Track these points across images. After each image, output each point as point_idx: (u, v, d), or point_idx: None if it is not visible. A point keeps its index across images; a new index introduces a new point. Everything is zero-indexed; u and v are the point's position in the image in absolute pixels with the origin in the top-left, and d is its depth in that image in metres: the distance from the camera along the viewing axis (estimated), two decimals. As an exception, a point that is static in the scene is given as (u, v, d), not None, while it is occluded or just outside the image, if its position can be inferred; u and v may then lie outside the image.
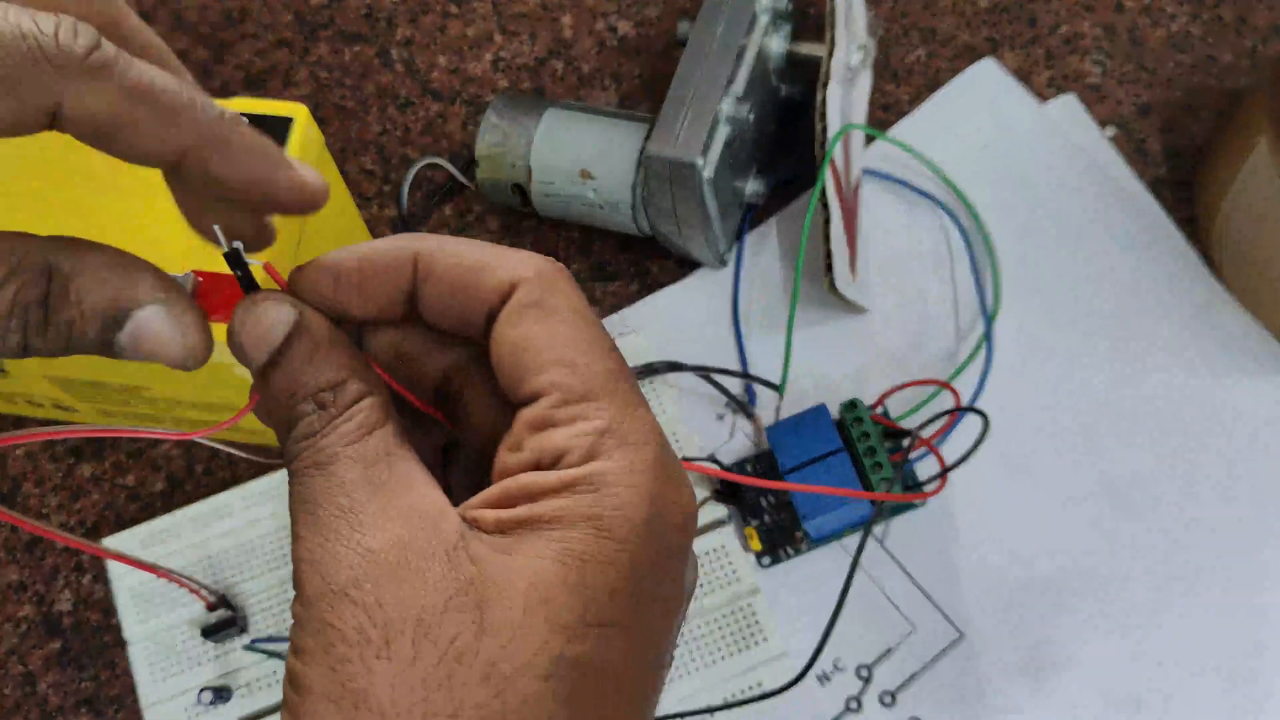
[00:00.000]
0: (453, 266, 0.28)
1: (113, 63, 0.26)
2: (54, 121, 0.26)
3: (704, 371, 0.50)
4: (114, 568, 0.48)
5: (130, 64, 0.26)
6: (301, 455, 0.27)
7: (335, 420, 0.27)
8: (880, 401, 0.48)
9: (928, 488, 0.47)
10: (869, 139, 0.55)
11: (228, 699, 0.46)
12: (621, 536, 0.26)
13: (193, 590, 0.46)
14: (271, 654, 0.46)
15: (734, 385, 0.51)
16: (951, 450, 0.49)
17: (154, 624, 0.47)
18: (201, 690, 0.46)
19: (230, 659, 0.47)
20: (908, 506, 0.46)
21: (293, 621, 0.26)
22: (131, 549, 0.48)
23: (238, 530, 0.48)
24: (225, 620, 0.46)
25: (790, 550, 0.48)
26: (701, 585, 0.47)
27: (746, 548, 0.48)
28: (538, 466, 0.26)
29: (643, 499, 0.26)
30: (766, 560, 0.48)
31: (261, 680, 0.46)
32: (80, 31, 0.25)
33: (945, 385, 0.46)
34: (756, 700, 0.45)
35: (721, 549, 0.48)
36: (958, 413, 0.44)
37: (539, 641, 0.25)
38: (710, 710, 0.45)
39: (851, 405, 0.47)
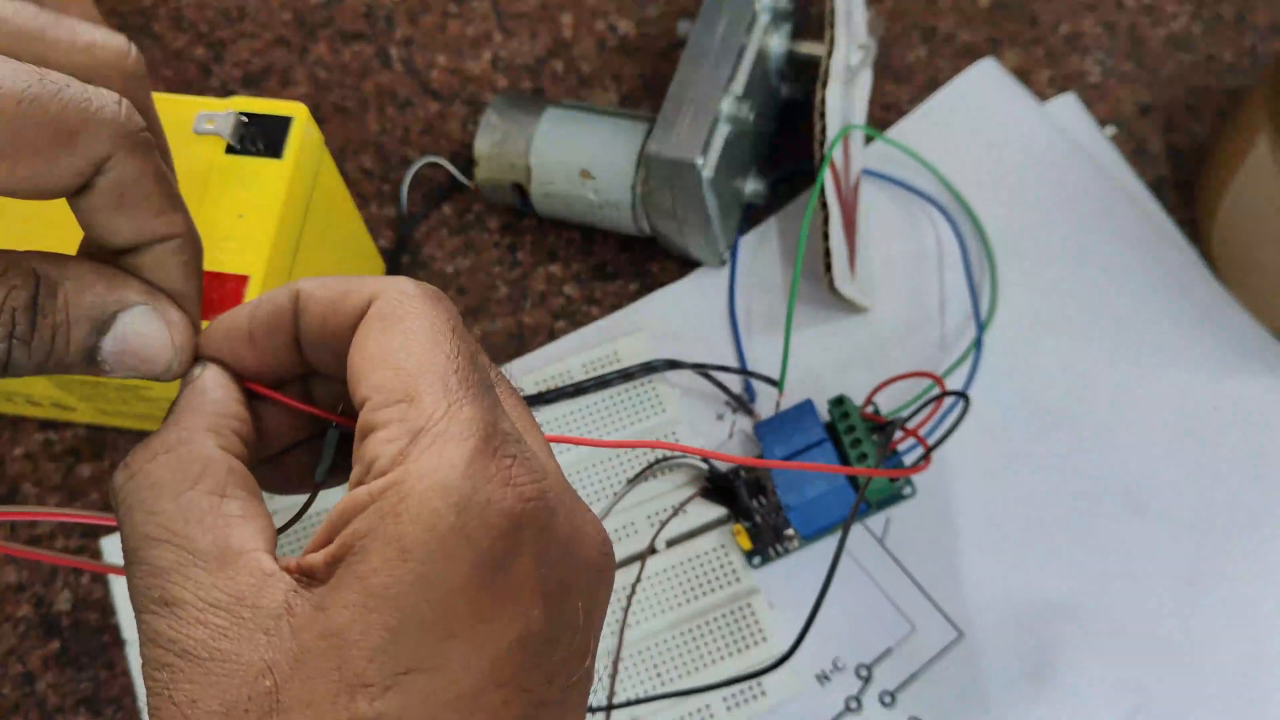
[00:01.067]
0: (322, 294, 0.27)
1: (153, 145, 0.27)
2: (87, 183, 0.26)
3: (703, 369, 0.50)
4: (114, 558, 0.48)
5: (159, 149, 0.27)
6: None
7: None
8: (869, 399, 0.48)
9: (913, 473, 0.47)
10: (869, 139, 0.55)
11: None
12: (424, 555, 0.23)
13: None
14: None
15: (734, 385, 0.51)
16: (951, 447, 0.49)
17: None
18: None
19: None
20: (897, 497, 0.46)
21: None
22: None
23: None
24: None
25: (780, 549, 0.47)
26: (700, 585, 0.47)
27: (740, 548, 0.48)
28: (360, 483, 0.24)
29: (447, 505, 0.23)
30: (757, 560, 0.47)
31: None
32: (133, 111, 0.26)
33: (930, 375, 0.45)
34: (738, 682, 0.45)
35: (721, 549, 0.48)
36: (942, 398, 0.44)
37: (331, 710, 0.23)
38: (696, 690, 0.45)
39: (839, 401, 0.47)
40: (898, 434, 0.46)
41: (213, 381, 0.28)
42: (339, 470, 0.29)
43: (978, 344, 0.50)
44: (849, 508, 0.46)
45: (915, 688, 0.46)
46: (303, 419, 0.30)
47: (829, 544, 0.48)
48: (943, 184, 0.54)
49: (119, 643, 0.48)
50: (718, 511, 0.48)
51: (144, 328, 0.28)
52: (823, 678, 0.46)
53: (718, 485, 0.48)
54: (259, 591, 0.24)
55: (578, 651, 0.25)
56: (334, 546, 0.24)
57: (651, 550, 0.48)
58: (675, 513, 0.48)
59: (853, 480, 0.45)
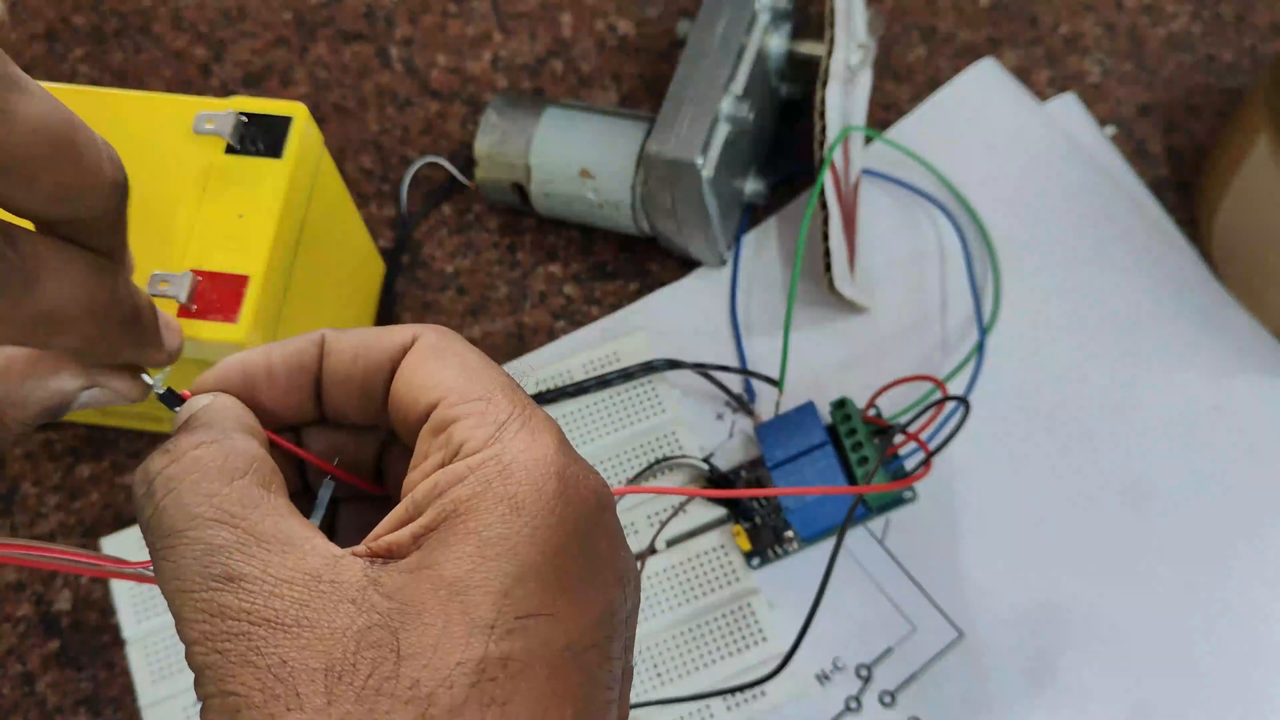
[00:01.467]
0: (351, 338, 0.29)
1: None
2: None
3: (703, 369, 0.50)
4: None
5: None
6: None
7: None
8: (872, 402, 0.47)
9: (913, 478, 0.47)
10: (868, 139, 0.55)
11: None
12: (535, 511, 0.25)
13: None
14: None
15: (734, 385, 0.51)
16: (951, 447, 0.49)
17: (153, 624, 0.47)
18: None
19: None
20: (898, 501, 0.46)
21: (193, 676, 0.25)
22: (129, 548, 0.48)
23: None
24: None
25: (779, 550, 0.47)
26: (700, 584, 0.47)
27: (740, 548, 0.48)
28: (442, 466, 0.26)
29: (550, 473, 0.26)
30: (756, 561, 0.47)
31: None
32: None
33: (932, 379, 0.45)
34: (739, 690, 0.45)
35: (720, 549, 0.48)
36: (944, 403, 0.44)
37: (459, 649, 0.24)
38: (698, 697, 0.45)
39: (840, 404, 0.47)
40: (898, 439, 0.46)
41: (228, 402, 0.29)
42: (324, 526, 0.30)
43: (980, 347, 0.50)
44: (847, 511, 0.46)
45: (915, 688, 0.46)
46: (290, 471, 0.31)
47: (828, 545, 0.48)
48: (943, 184, 0.54)
49: (119, 643, 0.48)
50: (718, 512, 0.48)
51: (93, 398, 0.29)
52: (823, 678, 0.46)
53: (718, 486, 0.48)
54: (334, 569, 0.25)
55: (630, 640, 0.27)
56: (426, 518, 0.25)
57: (652, 550, 0.48)
58: (675, 513, 0.48)
59: (853, 483, 0.45)
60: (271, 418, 0.29)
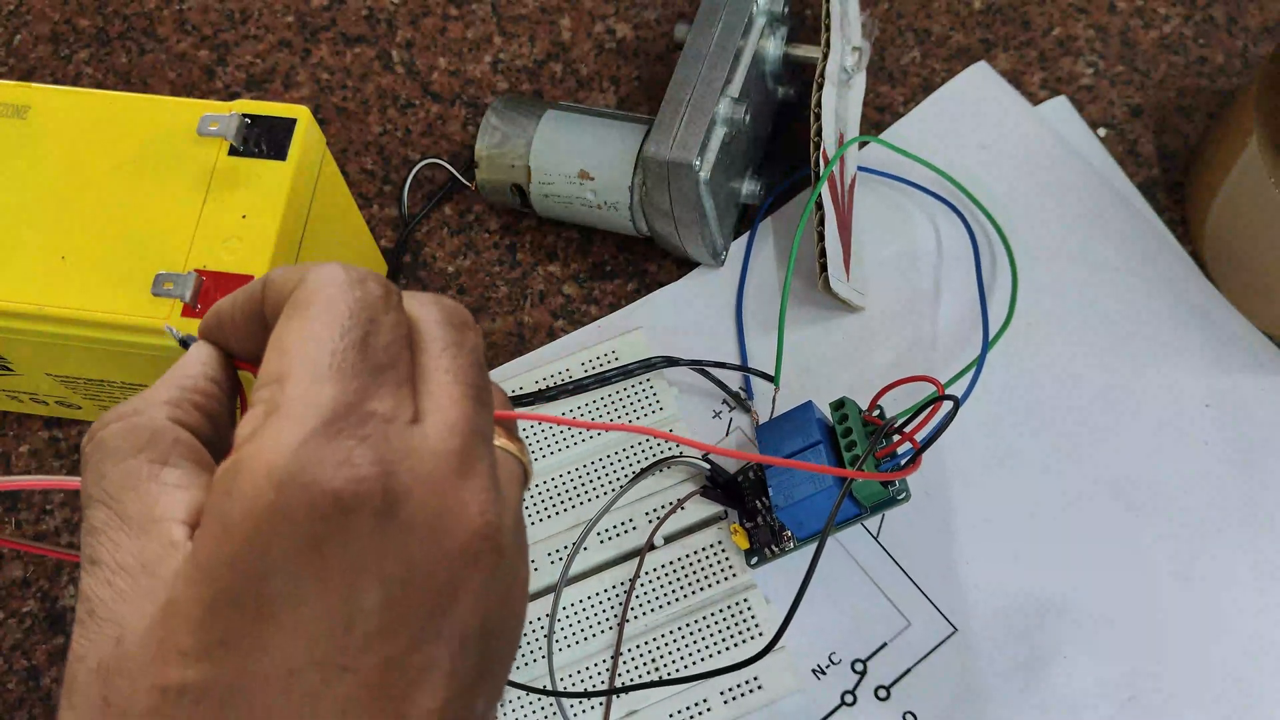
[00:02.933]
0: (278, 281, 0.27)
1: None
2: None
3: (700, 365, 0.51)
4: None
5: None
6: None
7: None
8: (874, 403, 0.47)
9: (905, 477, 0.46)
10: (863, 144, 0.55)
11: None
12: (241, 532, 0.23)
13: None
14: None
15: (732, 383, 0.52)
16: (946, 445, 0.49)
17: None
18: None
19: None
20: (891, 501, 0.46)
21: None
22: None
23: None
24: None
25: (775, 549, 0.48)
26: (698, 580, 0.48)
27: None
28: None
29: (270, 483, 0.23)
30: (754, 560, 0.48)
31: None
32: None
33: (931, 380, 0.45)
34: (723, 673, 0.45)
35: (718, 545, 0.48)
36: (940, 403, 0.44)
37: (151, 674, 0.23)
38: (687, 680, 0.46)
39: (839, 403, 0.47)
40: (893, 438, 0.46)
41: (193, 356, 0.29)
42: None
43: (984, 346, 0.50)
44: (843, 513, 0.46)
45: (910, 682, 0.47)
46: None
47: (827, 546, 0.49)
48: (951, 183, 0.54)
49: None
50: (715, 508, 0.49)
51: None
52: (818, 672, 0.47)
53: (720, 485, 0.49)
54: (160, 560, 0.24)
55: (425, 639, 0.24)
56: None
57: (650, 546, 0.48)
58: (674, 509, 0.48)
59: (845, 481, 0.45)
60: (250, 357, 0.29)
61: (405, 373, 0.26)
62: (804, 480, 0.45)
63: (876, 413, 0.47)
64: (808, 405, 0.47)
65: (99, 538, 0.25)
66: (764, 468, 0.49)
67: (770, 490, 0.46)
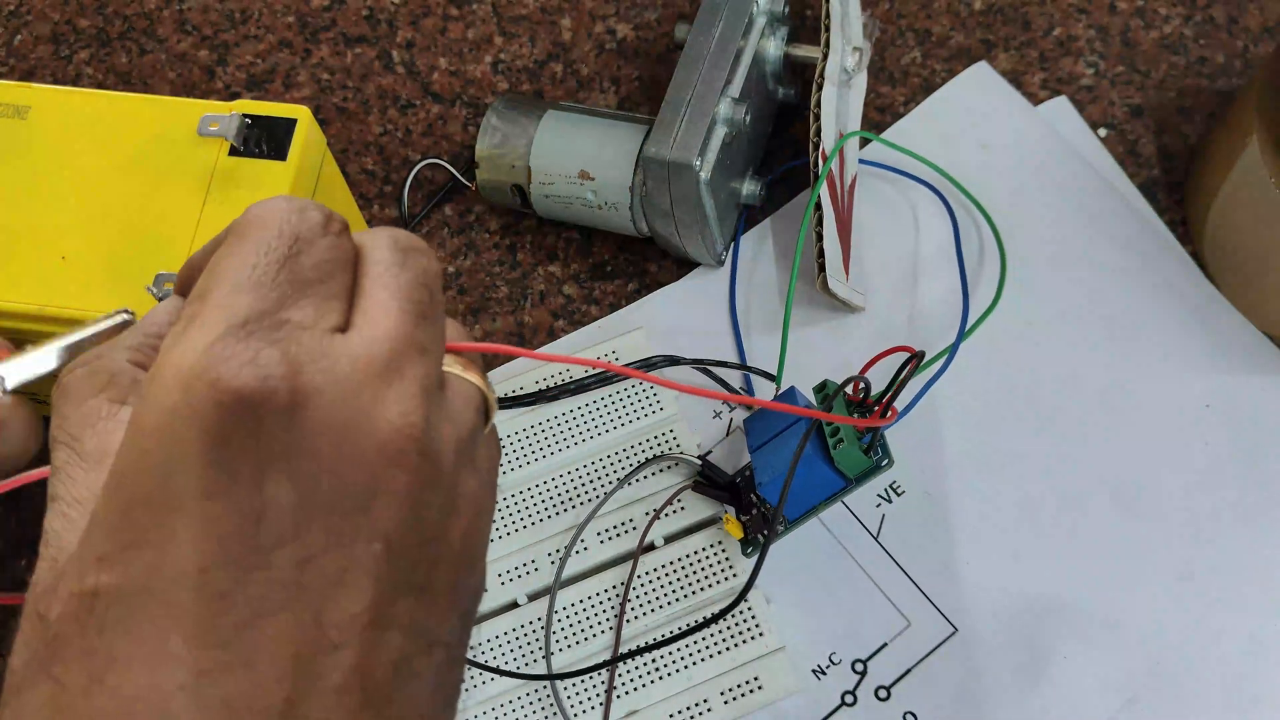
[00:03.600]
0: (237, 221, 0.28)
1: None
2: None
3: (701, 364, 0.51)
4: None
5: None
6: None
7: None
8: (857, 384, 0.46)
9: (895, 451, 0.46)
10: (864, 142, 0.55)
11: None
12: (148, 432, 0.23)
13: None
14: None
15: (734, 383, 0.52)
16: (946, 445, 0.50)
17: None
18: None
19: None
20: (875, 468, 0.45)
21: None
22: None
23: None
24: None
25: (766, 535, 0.47)
26: (696, 580, 0.48)
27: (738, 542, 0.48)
28: None
29: (175, 382, 0.23)
30: (749, 549, 0.48)
31: None
32: None
33: (905, 349, 0.45)
34: (695, 631, 0.46)
35: (717, 544, 0.48)
36: (913, 363, 0.43)
37: (71, 581, 0.24)
38: (668, 641, 0.46)
39: (821, 386, 0.46)
40: (873, 409, 0.45)
41: (161, 307, 0.30)
42: None
43: (960, 334, 0.50)
44: (827, 486, 0.45)
45: (910, 682, 0.47)
46: None
47: (822, 536, 0.49)
48: (945, 178, 0.54)
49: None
50: (714, 508, 0.49)
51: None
52: (819, 672, 0.47)
53: (712, 480, 0.49)
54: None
55: (343, 539, 0.24)
56: None
57: (649, 546, 0.48)
58: (667, 504, 0.48)
59: (826, 454, 0.44)
60: None
61: (337, 289, 0.26)
62: (787, 456, 0.44)
63: (859, 394, 0.46)
64: (790, 390, 0.47)
65: (59, 476, 0.26)
66: (752, 461, 0.48)
67: (755, 471, 0.45)
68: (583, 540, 0.48)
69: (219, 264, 0.25)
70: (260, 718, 0.23)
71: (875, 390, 0.44)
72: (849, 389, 0.44)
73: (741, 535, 0.48)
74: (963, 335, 0.49)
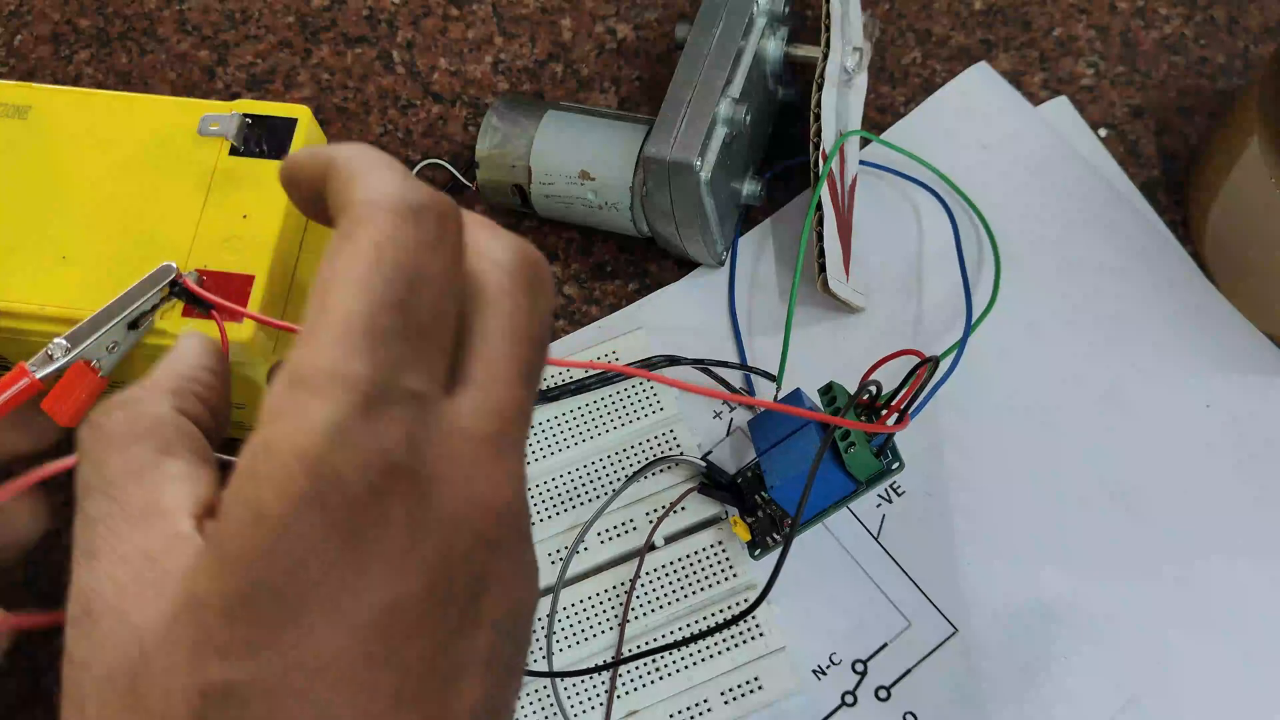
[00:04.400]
0: (341, 171, 0.25)
1: None
2: None
3: (701, 364, 0.51)
4: None
5: None
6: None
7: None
8: (862, 384, 0.46)
9: (901, 453, 0.46)
10: (865, 142, 0.55)
11: None
12: (275, 520, 0.22)
13: None
14: None
15: (734, 383, 0.52)
16: (947, 446, 0.49)
17: None
18: None
19: None
20: (886, 472, 0.45)
21: None
22: None
23: None
24: None
25: (776, 537, 0.48)
26: (698, 580, 0.48)
27: (742, 544, 0.48)
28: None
29: (300, 467, 0.21)
30: (756, 551, 0.48)
31: None
32: None
33: (913, 352, 0.45)
34: (704, 636, 0.46)
35: (718, 545, 0.48)
36: (923, 369, 0.43)
37: (187, 676, 0.22)
38: (674, 645, 0.46)
39: (827, 388, 0.46)
40: (881, 413, 0.45)
41: (188, 346, 0.29)
42: None
43: (966, 324, 0.50)
44: (839, 490, 0.45)
45: (910, 683, 0.47)
46: None
47: (826, 540, 0.49)
48: (943, 180, 0.54)
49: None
50: (715, 508, 0.49)
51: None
52: (819, 672, 0.47)
53: (716, 481, 0.49)
54: (167, 551, 0.23)
55: (464, 628, 0.23)
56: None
57: (650, 546, 0.48)
58: (670, 508, 0.48)
59: (836, 457, 0.44)
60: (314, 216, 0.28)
61: (449, 335, 0.24)
62: (798, 459, 0.44)
63: (866, 395, 0.46)
64: (796, 393, 0.47)
65: (97, 529, 0.24)
66: (761, 464, 0.48)
67: (765, 474, 0.45)
68: (584, 541, 0.48)
69: (329, 296, 0.23)
70: None
71: (885, 390, 0.44)
72: (856, 394, 0.44)
73: (749, 538, 0.48)
74: (968, 333, 0.49)
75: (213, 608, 0.22)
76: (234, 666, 0.21)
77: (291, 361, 0.22)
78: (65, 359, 0.37)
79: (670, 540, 0.49)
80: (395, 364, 0.23)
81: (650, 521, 0.49)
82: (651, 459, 0.50)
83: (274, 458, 0.22)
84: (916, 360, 0.43)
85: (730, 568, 0.48)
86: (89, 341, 0.38)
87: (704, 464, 0.49)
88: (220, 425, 0.28)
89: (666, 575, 0.48)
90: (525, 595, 0.25)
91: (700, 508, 0.49)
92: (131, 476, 0.25)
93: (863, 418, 0.45)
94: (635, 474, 0.49)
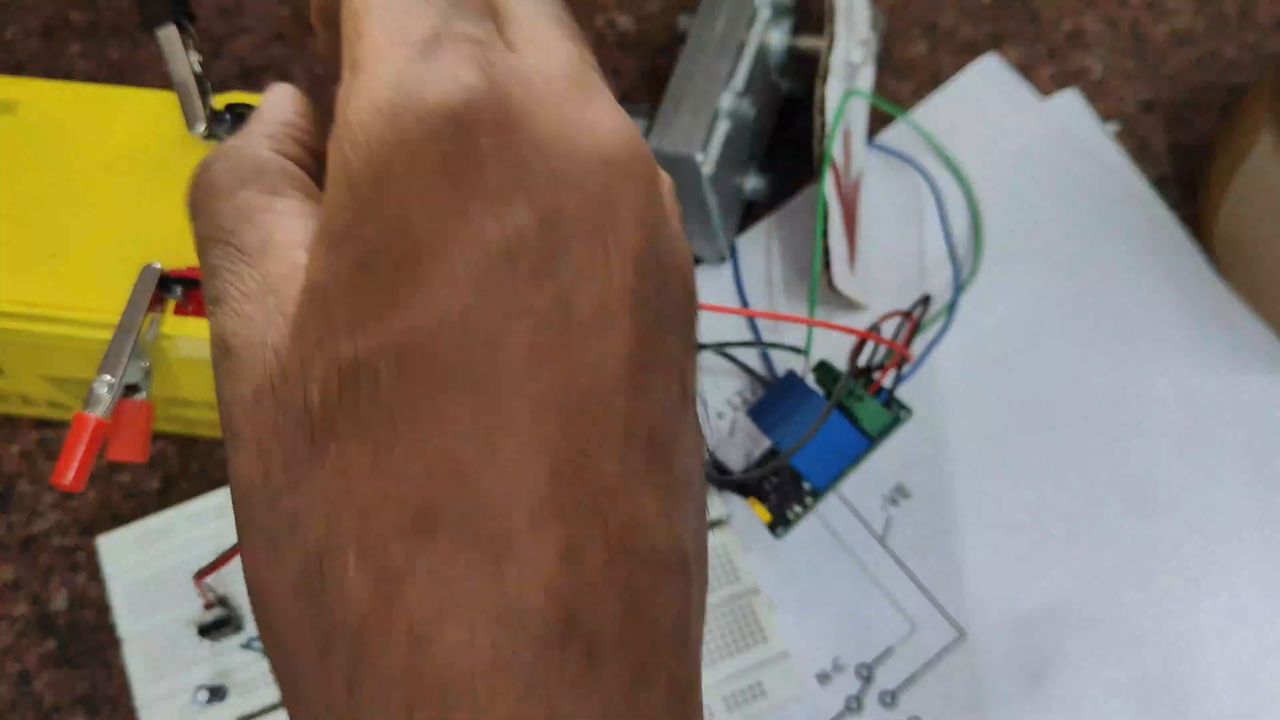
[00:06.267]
0: None
1: None
2: None
3: (722, 348, 0.50)
4: (108, 564, 0.48)
5: None
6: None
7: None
8: (854, 358, 0.47)
9: (906, 379, 0.48)
10: (870, 136, 0.55)
11: (224, 698, 0.46)
12: (365, 178, 0.21)
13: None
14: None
15: (736, 383, 0.51)
16: (951, 446, 0.49)
17: (150, 621, 0.47)
18: (198, 689, 0.46)
19: (225, 659, 0.46)
20: (896, 421, 0.46)
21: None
22: (125, 548, 0.48)
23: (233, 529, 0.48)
24: (222, 619, 0.46)
25: (799, 509, 0.47)
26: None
27: (747, 546, 0.48)
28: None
29: (378, 118, 0.21)
30: (778, 529, 0.47)
31: (256, 679, 0.46)
32: None
33: (898, 312, 0.46)
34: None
35: (721, 548, 0.48)
36: (912, 314, 0.45)
37: (320, 364, 0.22)
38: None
39: (819, 365, 0.47)
40: (875, 375, 0.47)
41: (275, 95, 0.28)
42: None
43: (951, 307, 0.50)
44: (853, 446, 0.46)
45: (916, 687, 0.46)
46: None
47: (828, 540, 0.48)
48: (949, 167, 0.54)
49: (115, 642, 0.47)
50: (719, 511, 0.48)
51: None
52: (823, 677, 0.46)
53: (723, 470, 0.48)
54: (286, 281, 0.23)
55: (594, 264, 0.22)
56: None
57: None
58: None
59: (848, 416, 0.46)
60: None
61: (483, 6, 0.24)
62: (808, 424, 0.45)
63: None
64: (789, 376, 0.48)
65: (219, 276, 0.24)
66: (770, 461, 0.48)
67: (779, 446, 0.46)
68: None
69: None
70: (564, 468, 0.21)
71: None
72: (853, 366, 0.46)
73: (770, 517, 0.47)
74: (947, 328, 0.48)
75: (331, 290, 0.21)
76: (360, 341, 0.21)
77: (347, 28, 0.23)
78: (117, 390, 0.37)
79: None
80: (443, 17, 0.22)
81: None
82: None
83: (350, 123, 0.21)
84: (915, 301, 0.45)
85: (733, 571, 0.47)
86: (125, 364, 0.37)
87: (715, 469, 0.48)
88: (321, 166, 0.27)
89: None
90: (663, 232, 0.23)
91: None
92: (242, 219, 0.25)
93: (863, 383, 0.47)
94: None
